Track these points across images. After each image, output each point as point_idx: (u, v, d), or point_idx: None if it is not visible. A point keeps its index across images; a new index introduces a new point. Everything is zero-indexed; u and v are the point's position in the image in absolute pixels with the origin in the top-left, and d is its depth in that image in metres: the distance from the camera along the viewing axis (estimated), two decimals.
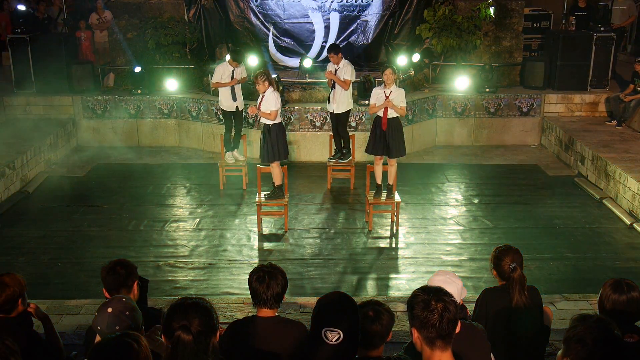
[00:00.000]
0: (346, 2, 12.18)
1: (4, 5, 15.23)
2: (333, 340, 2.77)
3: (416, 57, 12.15)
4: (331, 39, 12.07)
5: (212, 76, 9.95)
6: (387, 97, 7.90)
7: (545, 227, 8.35)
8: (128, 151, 11.38)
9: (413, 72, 12.09)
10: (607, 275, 6.51)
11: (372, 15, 12.29)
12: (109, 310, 2.99)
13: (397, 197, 8.27)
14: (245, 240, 8.04)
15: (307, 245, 7.92)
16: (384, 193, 8.32)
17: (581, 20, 13.18)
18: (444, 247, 7.85)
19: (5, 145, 10.05)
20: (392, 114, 7.98)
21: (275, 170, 8.19)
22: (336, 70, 9.34)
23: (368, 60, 12.46)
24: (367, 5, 12.24)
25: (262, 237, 8.14)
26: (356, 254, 7.71)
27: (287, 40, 12.35)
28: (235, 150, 9.89)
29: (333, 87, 9.40)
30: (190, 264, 7.43)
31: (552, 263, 7.41)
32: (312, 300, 5.55)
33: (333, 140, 9.77)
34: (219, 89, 9.64)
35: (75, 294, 6.52)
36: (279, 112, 8.07)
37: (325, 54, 10.85)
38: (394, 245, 8.02)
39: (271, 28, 12.25)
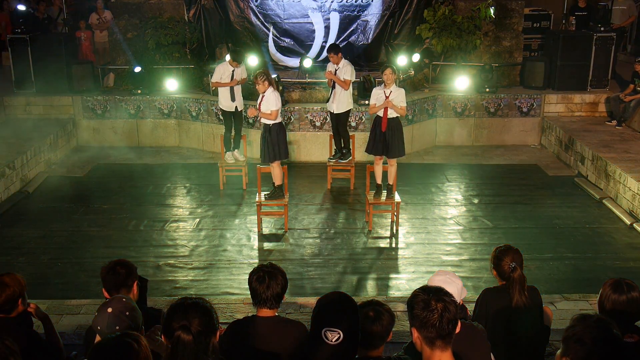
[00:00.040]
0: (346, 2, 12.18)
1: (4, 5, 15.24)
2: (333, 340, 2.77)
3: (416, 57, 12.15)
4: (331, 39, 12.07)
5: (212, 76, 9.95)
6: (387, 97, 7.90)
7: (545, 227, 8.35)
8: (128, 151, 11.38)
9: (413, 72, 12.09)
10: (607, 275, 6.51)
11: (372, 15, 12.29)
12: (109, 310, 2.99)
13: (397, 197, 8.27)
14: (245, 240, 8.04)
15: (307, 245, 7.92)
16: (384, 193, 8.32)
17: (581, 20, 13.19)
18: (444, 247, 7.85)
19: (5, 145, 10.05)
20: (392, 114, 7.98)
21: (276, 170, 8.19)
22: (336, 70, 9.34)
23: (368, 60, 12.46)
24: (367, 5, 12.24)
25: (262, 237, 8.14)
26: (356, 254, 7.71)
27: (287, 40, 12.36)
28: (236, 150, 9.89)
29: (333, 87, 9.41)
30: (190, 264, 7.43)
31: (552, 263, 7.40)
32: (312, 300, 5.55)
33: (333, 140, 9.77)
34: (219, 89, 9.65)
35: (75, 294, 6.52)
36: (279, 111, 8.07)
37: (325, 54, 10.85)
38: (394, 245, 8.02)
39: (271, 28, 12.26)
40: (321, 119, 10.77)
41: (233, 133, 9.81)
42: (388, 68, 7.98)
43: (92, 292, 6.36)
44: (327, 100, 9.78)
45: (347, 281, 7.07)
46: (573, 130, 10.94)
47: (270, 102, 7.92)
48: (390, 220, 8.52)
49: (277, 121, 8.07)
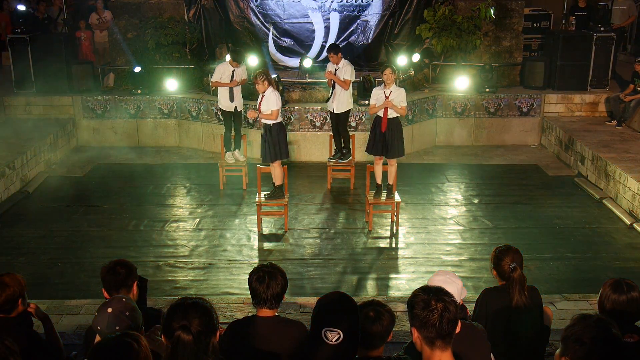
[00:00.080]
0: (346, 2, 12.18)
1: (4, 5, 15.23)
2: (333, 340, 2.77)
3: (416, 57, 12.15)
4: (331, 39, 12.07)
5: (212, 75, 9.95)
6: (387, 97, 7.89)
7: (545, 227, 8.35)
8: (128, 151, 11.38)
9: (413, 72, 12.09)
10: (607, 275, 6.51)
11: (372, 15, 12.29)
12: (109, 310, 2.99)
13: (397, 197, 8.27)
14: (245, 240, 8.04)
15: (307, 245, 7.92)
16: (384, 193, 8.32)
17: (581, 20, 13.19)
18: (444, 247, 7.85)
19: (5, 145, 10.05)
20: (392, 114, 7.98)
21: (277, 170, 8.19)
22: (336, 70, 9.34)
23: (368, 60, 12.47)
24: (367, 5, 12.24)
25: (262, 237, 8.14)
26: (356, 254, 7.71)
27: (287, 40, 12.36)
28: (236, 150, 9.89)
29: (333, 87, 9.41)
30: (190, 264, 7.43)
31: (552, 263, 7.40)
32: (312, 300, 5.55)
33: (333, 140, 9.77)
34: (218, 88, 9.65)
35: (75, 294, 6.52)
36: (280, 111, 8.07)
37: (325, 54, 10.85)
38: (394, 245, 8.02)
39: (271, 28, 12.26)
40: (321, 119, 10.77)
41: (233, 133, 9.81)
42: (388, 68, 7.98)
43: (92, 292, 6.36)
44: (327, 100, 9.78)
45: (347, 281, 7.07)
46: (573, 130, 10.94)
47: (270, 101, 7.93)
48: (390, 220, 8.52)
49: (277, 121, 8.07)
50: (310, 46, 12.31)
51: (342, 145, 9.64)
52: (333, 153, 9.82)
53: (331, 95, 9.48)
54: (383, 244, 8.06)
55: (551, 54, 12.37)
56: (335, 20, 12.22)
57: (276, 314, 3.53)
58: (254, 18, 12.29)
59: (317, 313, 2.88)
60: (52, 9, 15.03)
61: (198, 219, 8.63)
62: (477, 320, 3.82)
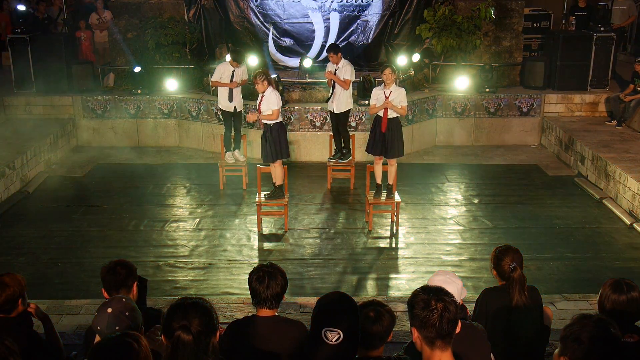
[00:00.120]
0: (346, 2, 12.18)
1: (4, 5, 15.23)
2: (333, 340, 2.77)
3: (416, 57, 12.15)
4: (331, 39, 12.07)
5: (211, 75, 9.95)
6: (387, 98, 7.89)
7: (545, 227, 8.35)
8: (128, 151, 11.38)
9: (413, 72, 12.09)
10: (607, 275, 6.50)
11: (372, 15, 12.29)
12: (109, 310, 2.99)
13: (397, 197, 8.27)
14: (245, 240, 8.04)
15: (307, 245, 7.92)
16: (384, 193, 8.32)
17: (581, 20, 13.18)
18: (444, 247, 7.85)
19: (5, 145, 10.05)
20: (392, 114, 7.98)
21: (278, 170, 8.19)
22: (335, 70, 9.35)
23: (368, 60, 12.47)
24: (367, 5, 12.24)
25: (262, 237, 8.14)
26: (356, 254, 7.71)
27: (287, 40, 12.36)
28: (236, 150, 9.89)
29: (333, 87, 9.41)
30: (190, 264, 7.43)
31: (552, 263, 7.40)
32: (312, 300, 5.55)
33: (333, 140, 9.77)
34: (218, 88, 9.65)
35: (75, 294, 6.52)
36: (280, 110, 8.08)
37: (325, 53, 10.85)
38: (394, 245, 8.02)
39: (271, 28, 12.26)
40: (321, 119, 10.77)
41: (233, 133, 9.81)
42: (387, 68, 7.98)
43: (92, 292, 6.36)
44: (327, 100, 9.78)
45: (347, 281, 7.07)
46: (573, 130, 10.94)
47: (270, 101, 7.92)
48: (390, 220, 8.52)
49: (277, 120, 8.07)
50: (310, 46, 12.31)
51: (342, 145, 9.64)
52: (333, 153, 9.82)
53: (331, 95, 9.48)
54: (383, 244, 8.06)
55: (551, 54, 12.37)
56: (335, 20, 12.22)
57: (276, 313, 3.53)
58: (254, 18, 12.29)
59: (317, 313, 2.88)
60: (52, 9, 15.03)
61: (198, 219, 8.63)
62: (477, 320, 3.82)
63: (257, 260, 7.45)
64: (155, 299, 6.17)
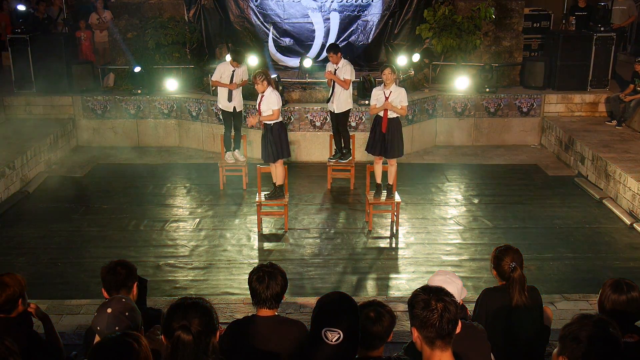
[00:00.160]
0: (346, 2, 12.18)
1: (4, 5, 15.23)
2: (333, 340, 2.77)
3: (416, 57, 12.15)
4: (331, 39, 12.07)
5: (212, 75, 9.96)
6: (386, 98, 7.89)
7: (545, 227, 8.35)
8: (128, 151, 11.38)
9: (413, 72, 12.09)
10: (607, 275, 6.53)
11: (372, 15, 12.30)
12: (109, 310, 2.99)
13: (397, 197, 8.27)
14: (245, 240, 8.04)
15: (307, 245, 7.92)
16: (384, 193, 8.32)
17: (581, 20, 13.19)
18: (444, 247, 7.85)
19: (5, 145, 10.06)
20: (392, 114, 7.98)
21: (279, 169, 8.19)
22: (335, 70, 9.34)
23: (368, 60, 12.47)
24: (367, 5, 12.24)
25: (262, 237, 8.14)
26: (356, 254, 7.71)
27: (287, 40, 12.36)
28: (236, 150, 9.89)
29: (333, 87, 9.40)
30: (190, 264, 7.43)
31: (552, 263, 7.40)
32: (312, 300, 5.54)
33: (333, 140, 9.77)
34: (218, 88, 9.65)
35: (75, 294, 6.52)
36: (280, 110, 8.08)
37: (325, 53, 10.85)
38: (394, 245, 8.02)
39: (271, 28, 12.26)
40: (321, 119, 10.77)
41: (233, 133, 9.81)
42: (387, 68, 7.97)
43: (92, 292, 6.36)
44: (327, 101, 9.78)
45: (347, 281, 7.06)
46: (573, 130, 10.94)
47: (270, 101, 7.92)
48: (390, 220, 8.52)
49: (277, 120, 8.07)
50: (310, 46, 12.31)
51: (342, 145, 9.64)
52: (333, 153, 9.82)
53: (331, 96, 9.48)
54: (383, 244, 8.06)
55: (551, 54, 12.37)
56: (335, 20, 12.23)
57: (276, 313, 3.53)
58: (254, 18, 12.29)
59: (317, 313, 2.88)
60: (52, 9, 15.02)
61: (198, 219, 8.63)
62: (477, 320, 3.82)
63: (257, 260, 7.45)
64: (155, 299, 6.17)
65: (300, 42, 12.35)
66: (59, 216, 8.75)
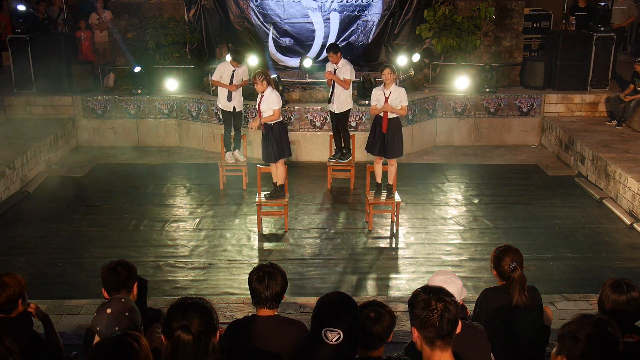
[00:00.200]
0: (346, 2, 12.18)
1: (4, 5, 15.23)
2: (333, 340, 2.77)
3: (416, 57, 12.15)
4: (331, 39, 12.08)
5: (211, 75, 9.96)
6: (386, 98, 7.88)
7: (545, 227, 8.35)
8: (128, 151, 11.38)
9: (413, 72, 12.09)
10: (607, 275, 6.53)
11: (372, 15, 12.30)
12: (108, 311, 2.99)
13: (397, 197, 8.27)
14: (245, 240, 8.04)
15: (307, 245, 7.92)
16: (384, 193, 8.32)
17: (581, 20, 13.19)
18: (444, 247, 7.85)
19: (6, 145, 10.05)
20: (392, 114, 7.98)
21: (280, 169, 8.19)
22: (335, 69, 9.34)
23: (368, 60, 12.47)
24: (367, 5, 12.25)
25: (262, 237, 8.14)
26: (356, 254, 7.71)
27: (287, 40, 12.36)
28: (236, 150, 9.88)
29: (333, 87, 9.40)
30: (190, 264, 7.43)
31: (552, 263, 7.40)
32: (312, 300, 5.55)
33: (333, 140, 9.77)
34: (217, 88, 9.65)
35: (75, 294, 6.52)
36: (280, 109, 8.08)
37: (325, 53, 10.85)
38: (394, 245, 8.02)
39: (271, 28, 12.26)
40: (321, 119, 10.77)
41: (233, 133, 9.81)
42: (387, 68, 7.97)
43: (92, 292, 6.36)
44: (327, 101, 9.78)
45: (347, 281, 7.06)
46: (573, 130, 10.94)
47: (270, 101, 7.92)
48: (390, 220, 8.52)
49: (278, 120, 8.07)
50: (310, 46, 12.31)
51: (342, 145, 9.64)
52: (333, 153, 9.82)
53: (331, 96, 9.48)
54: (383, 244, 8.06)
55: (551, 54, 12.37)
56: (335, 20, 12.23)
57: (276, 313, 3.53)
58: (254, 18, 12.30)
59: (317, 313, 2.88)
60: (52, 9, 15.02)
61: (198, 219, 8.63)
62: (477, 320, 3.82)
63: (257, 260, 7.45)
64: (155, 299, 6.17)
65: (300, 42, 12.35)
66: (59, 216, 8.75)
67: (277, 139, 8.05)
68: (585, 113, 11.90)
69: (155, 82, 11.93)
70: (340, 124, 9.58)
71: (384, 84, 7.96)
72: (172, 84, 11.74)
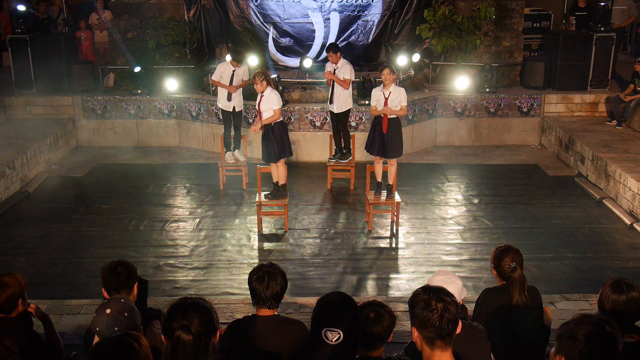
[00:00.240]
0: (346, 2, 12.18)
1: (4, 5, 15.22)
2: (333, 340, 2.77)
3: (416, 57, 12.15)
4: (331, 39, 12.08)
5: (211, 75, 9.96)
6: (386, 99, 7.88)
7: (545, 227, 8.35)
8: (128, 151, 11.38)
9: (413, 72, 12.09)
10: (607, 275, 6.52)
11: (372, 15, 12.30)
12: (108, 311, 2.99)
13: (397, 197, 8.27)
14: (245, 240, 8.04)
15: (307, 245, 7.92)
16: (384, 192, 8.32)
17: (581, 20, 13.19)
18: (444, 247, 7.85)
19: (6, 145, 10.05)
20: (392, 114, 7.98)
21: (281, 169, 8.19)
22: (334, 69, 9.34)
23: (368, 60, 12.48)
24: (367, 5, 12.25)
25: (262, 237, 8.14)
26: (356, 254, 7.71)
27: (287, 40, 12.36)
28: (236, 150, 9.88)
29: (332, 87, 9.40)
30: (190, 264, 7.43)
31: (552, 263, 7.40)
32: (312, 300, 5.55)
33: (333, 140, 9.77)
34: (217, 87, 9.65)
35: (75, 294, 6.52)
36: (281, 109, 8.08)
37: (325, 53, 10.85)
38: (394, 245, 8.02)
39: (271, 28, 12.26)
40: (321, 119, 10.77)
41: (233, 133, 9.81)
42: (386, 68, 7.97)
43: (92, 292, 6.35)
44: (329, 101, 9.77)
45: (347, 281, 7.06)
46: (573, 130, 10.94)
47: (270, 101, 7.92)
48: (390, 220, 8.52)
49: (278, 119, 8.06)
50: (310, 46, 12.31)
51: (343, 145, 9.64)
52: (333, 153, 9.82)
53: (331, 96, 9.48)
54: (383, 244, 8.06)
55: (551, 54, 12.37)
56: (335, 20, 12.23)
57: (276, 313, 3.53)
58: (254, 18, 12.30)
59: (317, 313, 2.88)
60: (52, 9, 15.02)
61: (198, 219, 8.63)
62: (477, 320, 3.82)
63: (257, 260, 7.45)
64: (155, 299, 6.17)
65: (300, 42, 12.35)
66: (59, 216, 8.75)
67: (277, 139, 8.05)
68: (585, 113, 11.90)
69: (155, 82, 11.93)
70: (340, 124, 9.58)
71: (384, 84, 7.96)
72: (172, 84, 11.74)
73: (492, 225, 8.43)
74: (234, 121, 9.71)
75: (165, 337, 2.66)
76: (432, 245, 7.88)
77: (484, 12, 11.85)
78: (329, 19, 12.22)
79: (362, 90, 10.62)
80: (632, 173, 8.72)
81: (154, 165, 10.82)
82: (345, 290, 4.54)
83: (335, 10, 12.19)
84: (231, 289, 6.83)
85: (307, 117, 10.80)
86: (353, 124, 10.66)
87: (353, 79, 9.54)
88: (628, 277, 3.59)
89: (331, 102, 9.49)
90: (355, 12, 12.29)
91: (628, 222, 8.39)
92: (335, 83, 9.32)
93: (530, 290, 4.08)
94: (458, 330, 2.69)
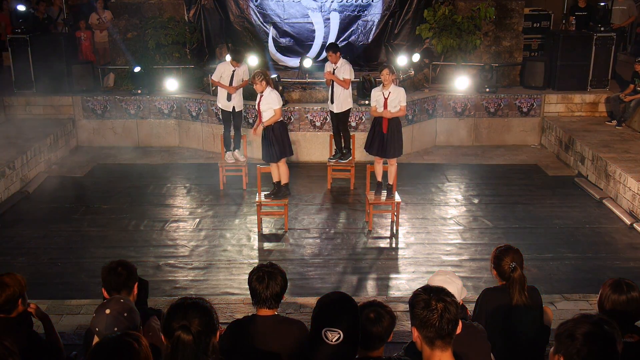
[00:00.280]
0: (346, 2, 12.18)
1: (4, 5, 15.22)
2: (333, 340, 2.77)
3: (416, 57, 12.15)
4: (331, 39, 12.08)
5: (211, 75, 9.96)
6: (385, 100, 7.88)
7: (545, 227, 8.35)
8: (128, 151, 11.38)
9: (413, 72, 12.09)
10: (607, 275, 6.51)
11: (372, 15, 12.30)
12: (107, 311, 2.99)
13: (397, 197, 8.27)
14: (245, 240, 8.04)
15: (307, 245, 7.92)
16: (384, 192, 8.31)
17: (581, 20, 13.18)
18: (444, 247, 7.85)
19: (6, 145, 10.05)
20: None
21: (283, 169, 8.19)
22: (334, 69, 9.34)
23: (368, 60, 12.47)
24: (367, 5, 12.25)
25: (262, 237, 8.14)
26: (356, 254, 7.71)
27: (287, 40, 12.36)
28: (236, 150, 9.88)
29: (332, 87, 9.40)
30: (190, 264, 7.43)
31: (552, 263, 7.40)
32: (312, 300, 5.55)
33: (333, 140, 9.77)
34: (217, 87, 9.65)
35: (75, 294, 6.52)
36: (281, 109, 8.08)
37: (325, 53, 10.85)
38: (394, 245, 8.02)
39: (271, 28, 12.26)
40: (321, 119, 10.77)
41: (233, 133, 9.81)
42: (385, 68, 7.96)
43: (92, 292, 6.36)
44: (330, 101, 9.77)
45: (347, 281, 7.07)
46: (573, 130, 10.94)
47: (270, 101, 7.92)
48: (390, 220, 8.52)
49: (279, 119, 8.06)
50: (310, 46, 12.31)
51: (343, 145, 9.64)
52: (333, 153, 9.82)
53: (331, 96, 9.48)
54: (383, 244, 8.06)
55: (551, 54, 12.37)
56: (335, 20, 12.23)
57: (276, 313, 3.53)
58: (254, 18, 12.30)
59: (317, 313, 2.88)
60: (52, 9, 15.02)
61: (198, 219, 8.63)
62: (477, 320, 3.82)
63: (257, 260, 7.45)
64: (155, 299, 6.17)
65: (300, 42, 12.35)
66: (59, 216, 8.75)
67: (278, 139, 8.05)
68: (585, 113, 11.90)
69: (155, 82, 11.93)
70: (340, 124, 9.58)
71: (383, 85, 7.96)
72: (172, 84, 11.74)
73: (492, 225, 8.43)
74: (234, 121, 9.71)
75: (165, 337, 2.66)
76: (432, 245, 7.88)
77: (484, 12, 11.85)
78: (329, 19, 12.22)
79: (362, 90, 10.61)
80: (632, 173, 8.72)
81: (154, 165, 10.82)
82: (345, 290, 4.55)
83: (335, 10, 12.19)
84: (231, 289, 6.83)
85: (307, 117, 10.81)
86: (353, 124, 10.66)
87: (352, 78, 9.54)
88: (628, 277, 3.58)
89: (331, 102, 9.49)
90: (355, 12, 12.29)
91: (628, 222, 8.39)
92: (335, 83, 9.32)
93: (530, 290, 4.08)
94: (458, 330, 2.69)
